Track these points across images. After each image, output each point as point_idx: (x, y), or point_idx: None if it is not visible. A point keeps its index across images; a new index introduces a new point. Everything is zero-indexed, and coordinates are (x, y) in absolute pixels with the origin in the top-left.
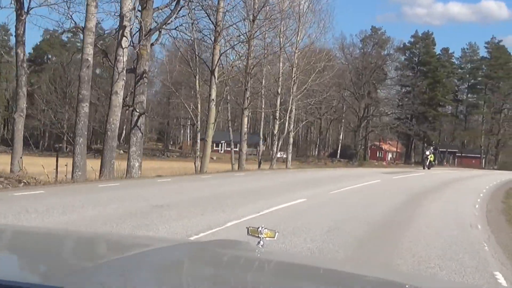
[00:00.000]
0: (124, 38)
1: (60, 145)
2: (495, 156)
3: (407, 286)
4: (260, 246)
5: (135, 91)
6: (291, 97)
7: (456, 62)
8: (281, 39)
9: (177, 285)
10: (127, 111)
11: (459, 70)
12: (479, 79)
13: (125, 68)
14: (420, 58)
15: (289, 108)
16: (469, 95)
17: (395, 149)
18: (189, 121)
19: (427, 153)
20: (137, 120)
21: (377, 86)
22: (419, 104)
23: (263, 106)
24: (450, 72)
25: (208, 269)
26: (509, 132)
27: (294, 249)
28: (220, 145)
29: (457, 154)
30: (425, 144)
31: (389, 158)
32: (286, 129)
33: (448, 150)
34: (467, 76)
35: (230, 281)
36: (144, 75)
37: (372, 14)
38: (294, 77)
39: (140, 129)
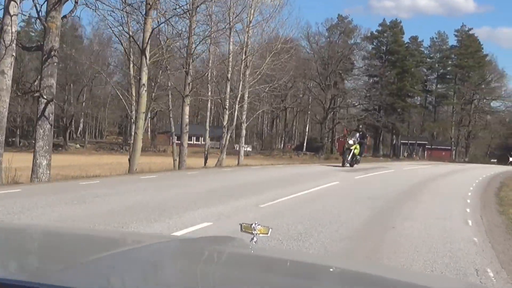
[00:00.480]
0: (12, 2)
1: None
2: (466, 148)
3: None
4: (253, 242)
5: (42, 72)
6: (242, 83)
7: (425, 52)
8: (231, 16)
9: (166, 281)
10: (35, 98)
11: (428, 60)
12: (449, 68)
13: (14, 41)
14: (388, 47)
15: (239, 95)
16: (438, 86)
17: None
18: (150, 113)
19: (350, 142)
20: (44, 109)
21: (344, 76)
22: (387, 94)
23: (209, 93)
24: (419, 61)
25: (199, 265)
26: (480, 123)
27: None
28: (193, 138)
29: (426, 147)
30: (347, 130)
31: None
32: (235, 119)
33: (418, 142)
34: (437, 65)
35: (223, 278)
36: (52, 53)
37: (339, 7)
38: (244, 58)
39: (48, 120)
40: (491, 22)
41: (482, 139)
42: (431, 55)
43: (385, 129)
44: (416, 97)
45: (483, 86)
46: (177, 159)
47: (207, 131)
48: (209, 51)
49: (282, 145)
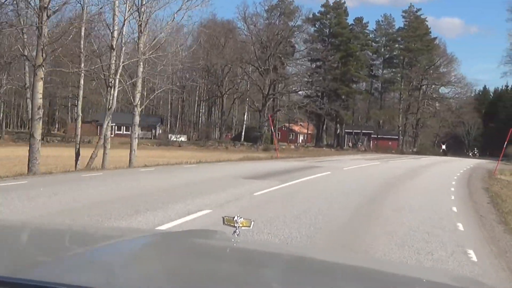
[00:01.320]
0: None
1: None
2: (414, 138)
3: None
4: (236, 235)
5: None
6: (137, 55)
7: (371, 36)
8: None
9: (147, 276)
10: None
11: (374, 44)
12: (396, 52)
13: None
14: (332, 30)
15: (120, 67)
16: (385, 71)
17: (307, 131)
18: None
19: None
20: None
21: (285, 60)
22: (330, 80)
23: (82, 65)
24: (364, 44)
25: (182, 259)
26: (429, 110)
27: None
28: (122, 128)
29: (372, 136)
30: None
31: (300, 141)
32: (111, 102)
33: (363, 131)
34: (383, 49)
35: (205, 271)
36: None
37: None
38: (139, 23)
39: None
40: (435, 12)
41: (430, 128)
42: (377, 39)
43: (328, 117)
44: (361, 83)
45: (431, 71)
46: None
47: (80, 117)
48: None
49: (218, 135)
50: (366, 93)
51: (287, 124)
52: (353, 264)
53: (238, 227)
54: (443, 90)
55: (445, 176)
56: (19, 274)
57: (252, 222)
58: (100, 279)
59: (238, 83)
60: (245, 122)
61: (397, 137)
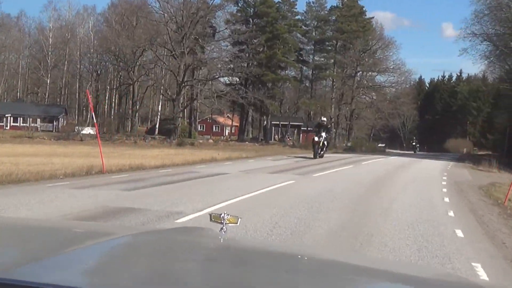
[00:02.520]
0: None
1: None
2: (348, 131)
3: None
4: (223, 232)
5: None
6: None
7: (301, 18)
8: None
9: (134, 274)
10: None
11: (304, 27)
12: (328, 34)
13: None
14: (256, 9)
15: None
16: (316, 56)
17: (232, 123)
18: None
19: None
20: None
21: (204, 43)
22: (255, 66)
23: None
24: (293, 25)
25: (169, 257)
26: (365, 101)
27: None
28: (5, 119)
29: (302, 129)
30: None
31: (227, 133)
32: None
33: (292, 123)
34: (314, 32)
35: (192, 268)
36: None
37: None
38: None
39: None
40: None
41: (366, 119)
42: (307, 23)
43: (252, 107)
44: (289, 69)
45: (367, 57)
46: None
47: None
48: None
49: (129, 128)
50: (294, 80)
51: (215, 116)
52: (343, 261)
53: (225, 223)
54: (380, 78)
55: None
56: (11, 274)
57: (239, 219)
58: (86, 279)
59: (151, 68)
60: (159, 113)
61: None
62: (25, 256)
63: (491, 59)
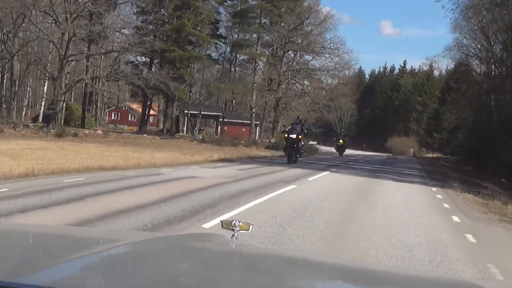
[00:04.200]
0: None
1: None
2: (273, 124)
3: None
4: (234, 239)
5: None
6: None
7: None
8: None
9: (144, 280)
10: None
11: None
12: (251, 3)
13: None
14: None
15: None
16: (235, 30)
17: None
18: None
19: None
20: None
21: (94, 8)
22: (160, 40)
23: None
24: None
25: (180, 263)
26: (295, 88)
27: None
28: None
29: (220, 120)
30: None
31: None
32: None
33: (208, 113)
34: (234, 0)
35: (203, 276)
36: None
37: None
38: None
39: None
40: None
41: (296, 111)
42: None
43: (151, 90)
44: (202, 44)
45: (298, 36)
46: None
47: None
48: None
49: (7, 112)
50: (208, 59)
51: (128, 103)
52: (354, 268)
53: (237, 230)
54: (315, 64)
55: None
56: (17, 279)
57: (251, 226)
58: (99, 284)
59: (33, 40)
60: (44, 97)
61: (256, 122)
62: (40, 261)
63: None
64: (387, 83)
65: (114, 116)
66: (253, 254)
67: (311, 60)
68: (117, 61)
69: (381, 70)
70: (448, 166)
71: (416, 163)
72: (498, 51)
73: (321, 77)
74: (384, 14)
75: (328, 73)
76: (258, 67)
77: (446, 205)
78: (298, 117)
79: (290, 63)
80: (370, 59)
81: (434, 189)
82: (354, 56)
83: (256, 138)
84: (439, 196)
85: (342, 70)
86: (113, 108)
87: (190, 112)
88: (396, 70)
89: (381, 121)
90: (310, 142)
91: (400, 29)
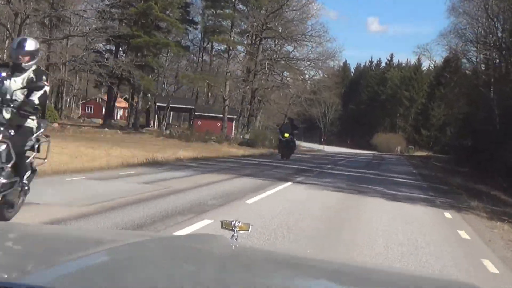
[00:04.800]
0: None
1: None
2: (248, 118)
3: None
4: (234, 239)
5: None
6: None
7: None
8: None
9: (144, 281)
10: None
11: None
12: None
13: None
14: None
15: None
16: (209, 15)
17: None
18: None
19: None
20: None
21: None
22: (128, 25)
23: None
24: None
25: (180, 264)
26: (273, 80)
27: None
28: None
29: (195, 114)
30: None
31: (118, 117)
32: None
33: (181, 106)
34: None
35: (203, 276)
36: None
37: None
38: None
39: None
40: None
41: (275, 105)
42: None
43: (121, 81)
44: (171, 29)
45: (277, 23)
46: None
47: None
48: None
49: None
50: (177, 46)
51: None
52: (354, 269)
53: (236, 231)
54: (296, 54)
55: None
56: (13, 280)
57: (251, 226)
58: (97, 286)
59: None
60: None
61: (233, 116)
62: (36, 262)
63: None
64: (373, 77)
65: (88, 109)
66: (252, 255)
67: (293, 50)
68: (86, 49)
69: (367, 64)
70: (441, 166)
71: (407, 164)
72: (504, 35)
73: (302, 69)
74: (371, 10)
75: (310, 64)
76: (233, 55)
77: (491, 267)
78: (292, 120)
79: (269, 52)
80: (356, 55)
81: (447, 214)
82: (339, 46)
83: (233, 134)
84: (462, 233)
85: (325, 60)
86: (87, 100)
87: (161, 105)
88: (383, 64)
89: (367, 117)
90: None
91: (387, 25)
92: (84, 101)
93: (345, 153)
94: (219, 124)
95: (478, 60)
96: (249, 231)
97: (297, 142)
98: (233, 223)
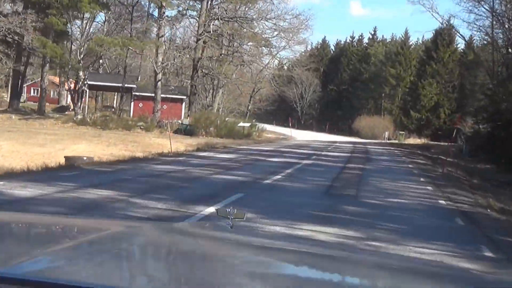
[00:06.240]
0: None
1: None
2: (190, 97)
3: None
4: (229, 227)
5: None
6: None
7: None
8: None
9: (136, 270)
10: None
11: None
12: None
13: None
14: None
15: None
16: None
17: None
18: None
19: None
20: None
21: None
22: None
23: None
24: None
25: (176, 252)
26: (226, 49)
27: None
28: None
29: (134, 94)
30: None
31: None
32: None
33: (116, 85)
34: None
35: (197, 265)
36: None
37: None
38: None
39: None
40: None
41: (241, 86)
42: None
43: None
44: None
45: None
46: None
47: None
48: None
49: None
50: (92, 2)
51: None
52: (355, 259)
53: (232, 219)
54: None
55: None
56: (3, 269)
57: (246, 215)
58: (89, 275)
59: None
60: None
61: (182, 96)
62: (27, 251)
63: None
64: (355, 54)
65: (34, 92)
66: (247, 243)
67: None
68: None
69: (348, 41)
70: (452, 162)
71: (403, 159)
72: None
73: (270, 39)
74: None
75: (278, 34)
76: (166, 15)
77: None
78: None
79: (216, 11)
80: (337, 35)
81: None
82: (310, 14)
83: (182, 118)
84: None
85: (297, 31)
86: (32, 82)
87: (93, 83)
88: (365, 41)
89: (348, 98)
90: (241, 124)
91: (369, 9)
92: (30, 83)
93: (317, 142)
94: (165, 107)
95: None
96: (244, 219)
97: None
98: (228, 211)
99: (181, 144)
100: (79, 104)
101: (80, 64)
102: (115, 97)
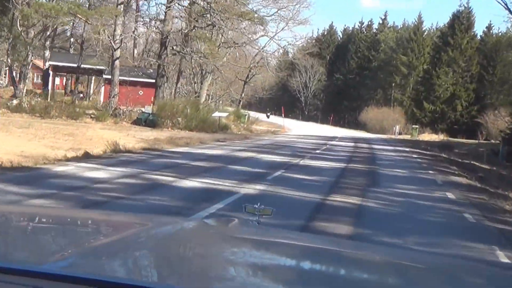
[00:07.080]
0: None
1: None
2: (157, 80)
3: None
4: (256, 224)
5: None
6: None
7: None
8: None
9: (166, 266)
10: None
11: None
12: None
13: None
14: None
15: None
16: None
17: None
18: None
19: None
20: None
21: None
22: None
23: None
24: None
25: (203, 248)
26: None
27: None
28: None
29: (106, 77)
30: None
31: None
32: None
33: (87, 67)
34: None
35: (225, 261)
36: None
37: None
38: None
39: None
40: None
41: (232, 72)
42: None
43: None
44: None
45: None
46: None
47: None
48: None
49: None
50: None
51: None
52: (379, 257)
53: (259, 215)
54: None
55: None
56: (43, 266)
57: (273, 211)
58: (126, 271)
59: None
60: None
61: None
62: (55, 248)
63: None
64: (364, 41)
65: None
66: (274, 240)
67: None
68: None
69: (356, 27)
70: (491, 170)
71: (433, 177)
72: None
73: (267, 19)
74: None
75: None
76: None
77: None
78: None
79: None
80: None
81: None
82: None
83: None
84: None
85: (297, 12)
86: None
87: (59, 64)
88: (375, 27)
89: (355, 88)
90: (217, 114)
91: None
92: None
93: (309, 138)
94: (141, 92)
95: None
96: (271, 215)
97: (257, 117)
98: (255, 207)
99: (133, 138)
100: (21, 86)
101: (22, 37)
102: (87, 81)
